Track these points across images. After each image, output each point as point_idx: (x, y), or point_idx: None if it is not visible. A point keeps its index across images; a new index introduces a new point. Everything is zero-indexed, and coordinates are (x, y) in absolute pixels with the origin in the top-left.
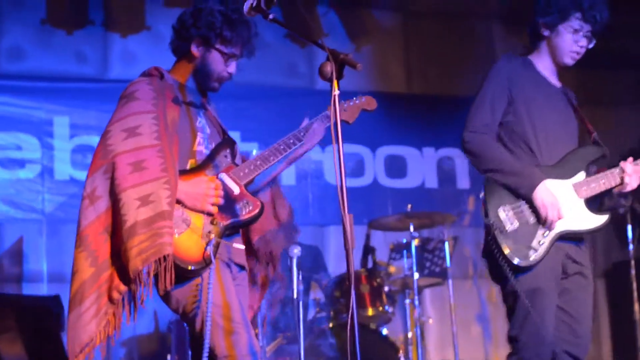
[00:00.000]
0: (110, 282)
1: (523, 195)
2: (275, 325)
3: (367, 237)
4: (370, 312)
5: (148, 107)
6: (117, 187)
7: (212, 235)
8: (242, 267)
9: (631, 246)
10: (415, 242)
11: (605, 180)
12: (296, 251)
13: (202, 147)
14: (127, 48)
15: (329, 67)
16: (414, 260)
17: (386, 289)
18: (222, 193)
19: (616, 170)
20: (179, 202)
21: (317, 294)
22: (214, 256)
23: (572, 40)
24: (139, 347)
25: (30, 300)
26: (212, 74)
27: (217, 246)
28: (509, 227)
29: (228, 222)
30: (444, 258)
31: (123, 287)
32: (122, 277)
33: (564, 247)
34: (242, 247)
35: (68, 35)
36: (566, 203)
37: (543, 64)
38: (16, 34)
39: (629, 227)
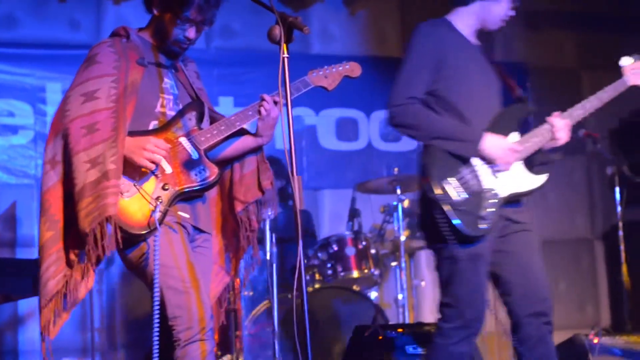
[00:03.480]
0: (68, 245)
1: (469, 156)
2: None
3: (353, 200)
4: (355, 274)
5: (108, 69)
6: (70, 151)
7: (160, 201)
8: (201, 230)
9: (619, 208)
10: (405, 204)
11: (538, 138)
12: (269, 213)
13: (167, 109)
14: (120, 15)
15: (278, 30)
16: (401, 223)
17: (373, 251)
18: (162, 152)
19: (546, 127)
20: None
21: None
22: (160, 223)
23: (508, 7)
24: (127, 312)
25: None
26: (168, 36)
27: (164, 213)
28: (455, 199)
29: (182, 187)
30: None
31: (78, 250)
32: (77, 240)
33: (504, 211)
34: (187, 215)
35: (61, 3)
36: None
37: (463, 24)
38: (9, 2)
39: (617, 190)
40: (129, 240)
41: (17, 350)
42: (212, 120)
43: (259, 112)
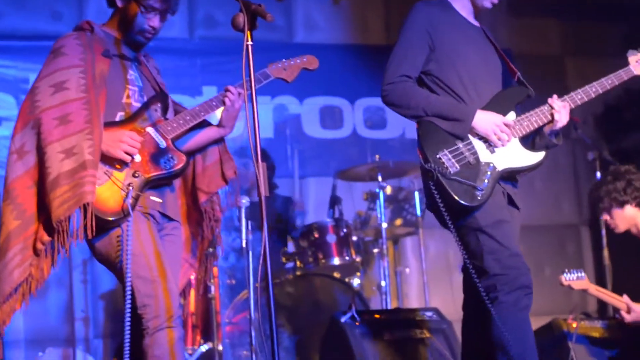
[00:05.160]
0: (35, 234)
1: (462, 135)
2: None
3: (334, 187)
4: (336, 261)
5: (75, 61)
6: (43, 141)
7: (132, 187)
8: (170, 218)
9: None
10: (388, 191)
11: (536, 118)
12: (244, 201)
13: (132, 100)
14: (102, 6)
15: (242, 18)
16: (382, 210)
17: (355, 238)
18: (137, 144)
19: (545, 107)
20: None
21: (289, 245)
22: (132, 208)
23: None
24: (112, 301)
25: None
26: (134, 26)
27: (136, 198)
28: (451, 170)
29: (151, 174)
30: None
31: (47, 238)
32: (47, 229)
33: (504, 187)
34: (159, 200)
35: None
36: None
37: (461, 3)
38: None
39: (598, 175)
40: (100, 228)
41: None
42: (176, 112)
43: (223, 103)
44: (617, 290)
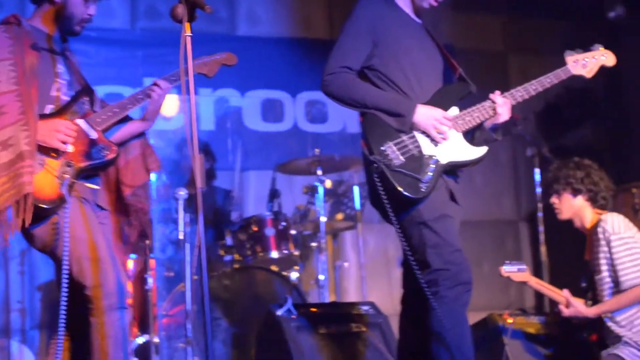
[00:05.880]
0: None
1: (402, 129)
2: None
3: (274, 180)
4: (274, 254)
5: (4, 54)
6: None
7: (66, 176)
8: (102, 207)
9: (539, 189)
10: (328, 185)
11: (478, 114)
12: (182, 193)
13: (61, 93)
14: None
15: (180, 9)
16: (321, 204)
17: (293, 232)
18: (73, 133)
19: (487, 103)
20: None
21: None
22: (69, 195)
23: None
24: (50, 291)
25: None
26: (75, 17)
27: (71, 185)
28: (396, 162)
29: (84, 164)
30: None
31: None
32: None
33: (447, 181)
34: (97, 187)
35: None
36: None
37: (403, 2)
38: None
39: (537, 171)
40: (37, 216)
41: None
42: (102, 106)
43: (149, 96)
44: (555, 285)
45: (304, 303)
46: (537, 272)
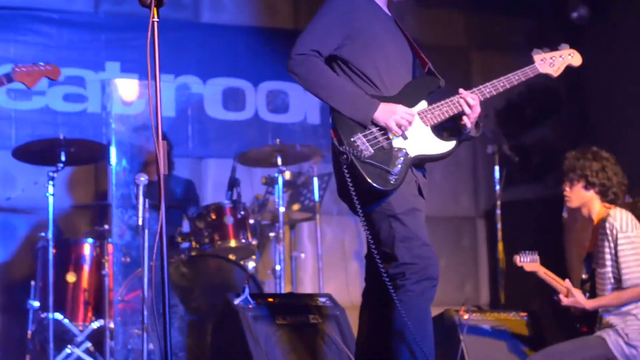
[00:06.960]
0: None
1: (363, 124)
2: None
3: (233, 169)
4: (233, 243)
5: None
6: None
7: None
8: None
9: (498, 187)
10: (287, 176)
11: (447, 108)
12: (142, 179)
13: None
14: None
15: None
16: (280, 194)
17: (252, 221)
18: None
19: (456, 98)
20: None
21: (185, 225)
22: None
23: None
24: (3, 273)
25: None
26: None
27: None
28: (365, 154)
29: None
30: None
31: None
32: None
33: (416, 175)
34: None
35: None
36: (415, 129)
37: None
38: None
39: (497, 169)
40: None
41: None
42: None
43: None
44: (510, 282)
45: (262, 293)
46: (493, 269)
